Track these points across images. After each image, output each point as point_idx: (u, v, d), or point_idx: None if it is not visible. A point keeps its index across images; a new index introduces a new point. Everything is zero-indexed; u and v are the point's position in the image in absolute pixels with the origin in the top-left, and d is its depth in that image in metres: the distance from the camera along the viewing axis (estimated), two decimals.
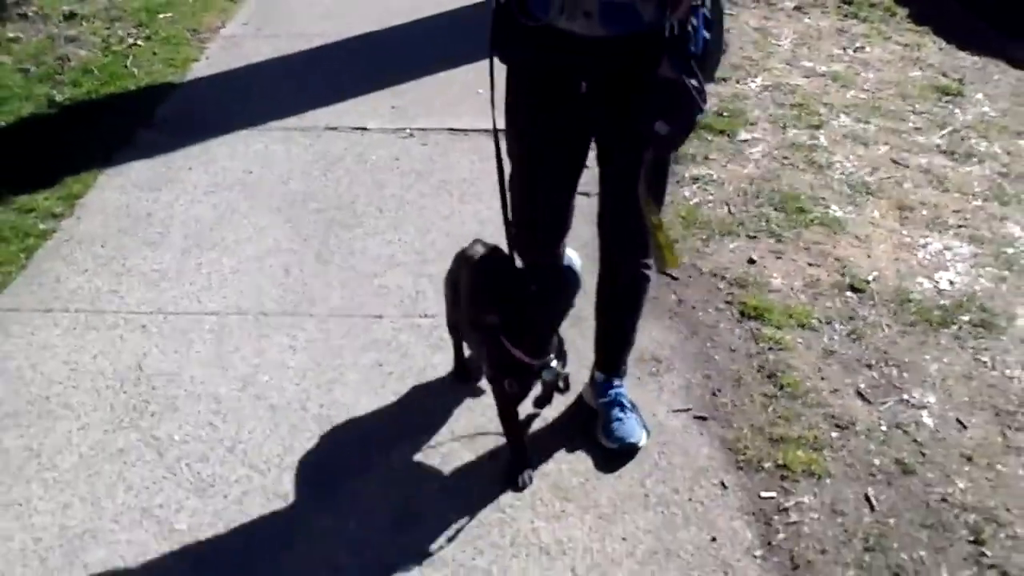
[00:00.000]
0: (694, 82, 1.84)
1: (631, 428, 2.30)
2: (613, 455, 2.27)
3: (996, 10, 5.02)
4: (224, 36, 4.84)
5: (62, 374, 2.52)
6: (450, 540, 2.05)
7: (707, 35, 1.88)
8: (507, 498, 2.16)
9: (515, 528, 2.09)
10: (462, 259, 2.27)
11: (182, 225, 3.22)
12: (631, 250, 2.21)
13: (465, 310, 2.20)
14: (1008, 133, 3.99)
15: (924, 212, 3.39)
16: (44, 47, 4.62)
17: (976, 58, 4.70)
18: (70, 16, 4.98)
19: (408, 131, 3.87)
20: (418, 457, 2.28)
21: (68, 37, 4.72)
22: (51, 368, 2.54)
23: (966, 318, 2.85)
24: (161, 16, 5.02)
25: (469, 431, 2.34)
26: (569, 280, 2.10)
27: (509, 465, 2.20)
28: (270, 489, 2.17)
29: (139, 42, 4.69)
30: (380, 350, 2.63)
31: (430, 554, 2.02)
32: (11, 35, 4.77)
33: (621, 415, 2.31)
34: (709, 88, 1.92)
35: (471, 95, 4.11)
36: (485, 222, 3.16)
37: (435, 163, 3.65)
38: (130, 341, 2.66)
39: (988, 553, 2.07)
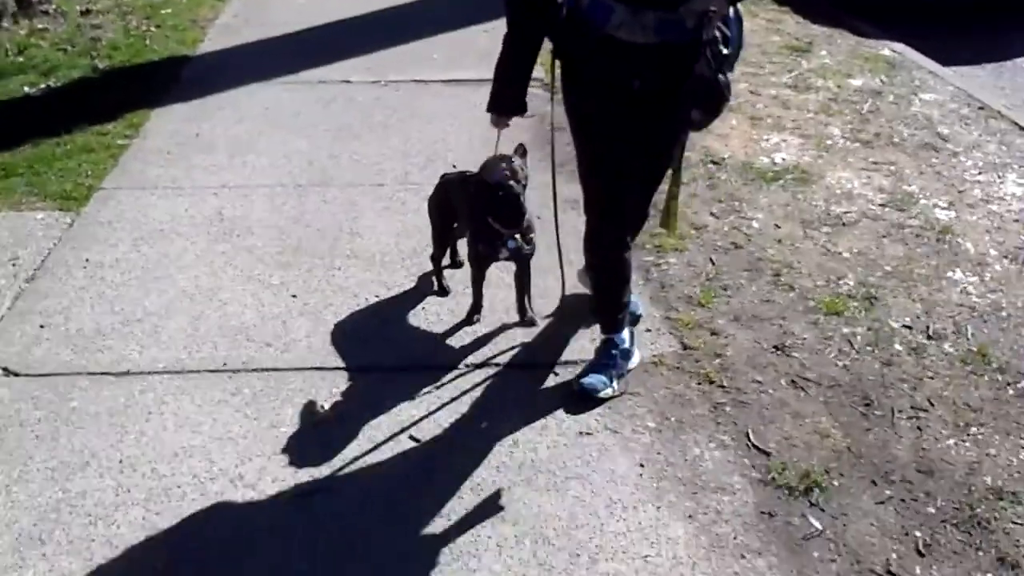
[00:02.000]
0: (722, 78, 2.34)
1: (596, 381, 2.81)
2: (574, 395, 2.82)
3: None
4: (219, 24, 6.30)
5: (167, 219, 3.90)
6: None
7: (730, 46, 2.38)
8: None
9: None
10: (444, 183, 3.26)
11: (224, 141, 4.65)
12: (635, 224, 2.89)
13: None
14: (840, 75, 5.66)
15: (769, 121, 4.99)
16: (73, 34, 6.02)
17: (825, 28, 6.40)
18: (86, 12, 6.38)
19: (383, 82, 5.37)
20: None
21: (91, 25, 6.10)
22: (158, 215, 3.93)
23: (790, 176, 4.42)
24: (163, 11, 6.46)
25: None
26: (521, 167, 2.82)
27: (469, 309, 3.14)
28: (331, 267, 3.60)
29: (151, 29, 6.10)
30: (386, 201, 4.09)
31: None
32: (40, 26, 6.14)
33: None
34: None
35: (428, 59, 5.65)
36: (446, 137, 4.65)
37: (406, 102, 5.15)
38: (208, 202, 4.07)
39: (783, 281, 3.60)
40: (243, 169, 4.28)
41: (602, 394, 2.79)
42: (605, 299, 2.89)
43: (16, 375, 2.92)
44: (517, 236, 2.90)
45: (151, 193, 4.06)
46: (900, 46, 6.21)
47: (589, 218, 2.76)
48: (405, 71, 5.46)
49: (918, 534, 2.42)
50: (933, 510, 2.50)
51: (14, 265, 3.51)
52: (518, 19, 2.51)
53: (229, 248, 3.63)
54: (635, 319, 3.12)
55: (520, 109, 2.62)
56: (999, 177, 4.41)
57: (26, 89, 5.17)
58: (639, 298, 3.21)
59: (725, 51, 2.33)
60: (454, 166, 4.27)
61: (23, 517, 2.38)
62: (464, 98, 5.10)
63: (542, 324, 3.14)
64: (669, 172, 2.71)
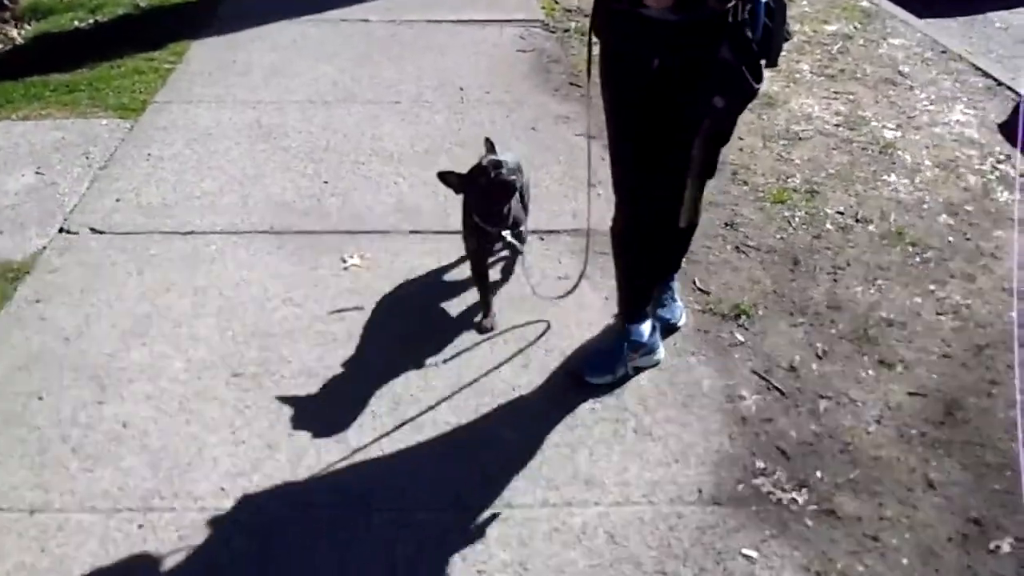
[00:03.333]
0: (747, 64, 2.28)
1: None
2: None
3: None
4: None
5: (213, 125, 4.75)
6: None
7: (768, 22, 2.29)
8: None
9: None
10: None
11: (259, 67, 5.50)
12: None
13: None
14: (817, 21, 6.47)
15: None
16: None
17: None
18: None
19: (399, 21, 6.22)
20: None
21: None
22: (205, 122, 4.78)
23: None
24: None
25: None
26: (508, 173, 2.97)
27: (481, 315, 3.24)
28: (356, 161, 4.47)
29: None
30: (403, 115, 4.94)
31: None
32: None
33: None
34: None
35: (439, 2, 6.51)
36: (456, 66, 5.47)
37: (419, 38, 5.99)
38: (248, 113, 4.92)
39: (739, 178, 4.42)
40: (276, 88, 5.14)
41: (593, 381, 2.96)
42: (621, 284, 3.00)
43: (102, 233, 3.78)
44: (506, 233, 3.06)
45: (197, 106, 4.92)
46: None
47: (616, 198, 2.81)
48: (419, 12, 6.30)
49: (819, 346, 3.25)
50: (834, 332, 3.33)
51: (87, 158, 4.38)
52: None
53: (268, 147, 4.49)
54: (670, 327, 3.19)
55: None
56: (948, 107, 5.22)
57: (76, 23, 6.03)
58: (683, 308, 3.26)
59: (750, 34, 2.28)
60: (461, 89, 5.13)
61: (123, 321, 3.25)
62: (471, 35, 5.95)
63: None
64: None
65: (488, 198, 3.03)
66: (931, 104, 5.22)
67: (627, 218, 2.79)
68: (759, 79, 2.34)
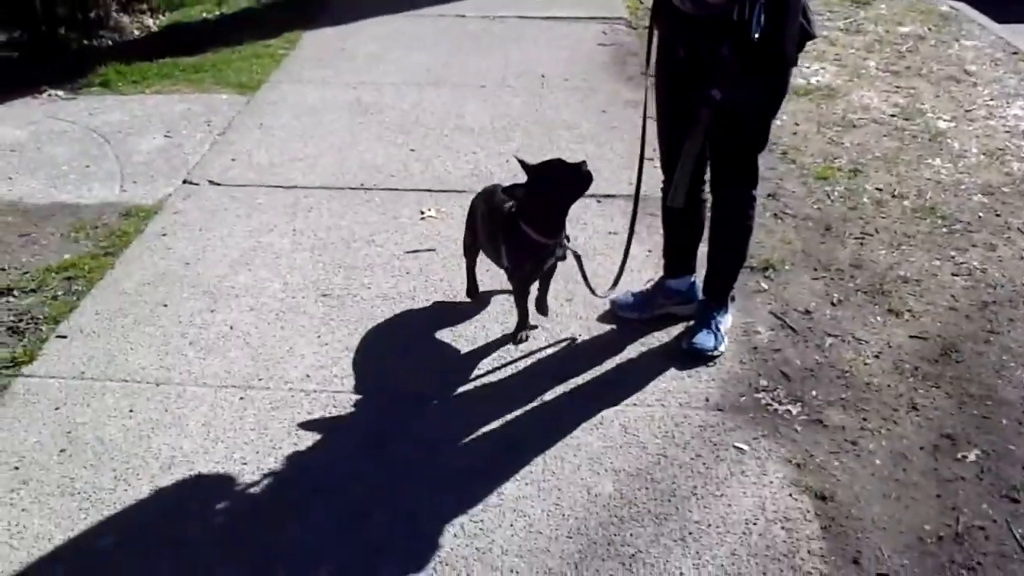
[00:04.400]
0: (746, 61, 2.56)
1: (708, 340, 3.19)
2: (684, 355, 3.22)
3: None
4: None
5: (318, 102, 5.41)
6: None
7: (765, 24, 2.52)
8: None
9: None
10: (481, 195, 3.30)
11: (362, 54, 6.18)
12: (731, 181, 3.04)
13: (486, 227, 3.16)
14: (892, 23, 6.85)
15: (814, 53, 6.23)
16: None
17: None
18: None
19: (492, 17, 6.85)
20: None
21: None
22: (311, 100, 5.46)
23: (819, 93, 5.67)
24: None
25: None
26: (570, 174, 2.90)
27: (516, 326, 3.26)
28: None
29: None
30: (486, 97, 5.55)
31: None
32: None
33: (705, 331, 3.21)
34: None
35: (531, 1, 7.13)
36: (540, 57, 6.07)
37: (509, 32, 6.60)
38: (349, 93, 5.58)
39: (789, 157, 4.88)
40: (376, 72, 5.81)
41: (623, 315, 3.41)
42: (667, 245, 3.41)
43: (219, 184, 4.48)
44: (559, 240, 3.04)
45: (305, 85, 5.62)
46: (960, 3, 7.31)
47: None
48: (511, 10, 6.92)
49: (836, 296, 3.70)
50: (852, 285, 3.76)
51: (208, 125, 5.10)
52: None
53: (365, 120, 5.14)
54: (699, 306, 3.38)
55: None
56: (1007, 103, 5.55)
57: (204, 15, 6.85)
58: (717, 336, 3.29)
59: (754, 34, 2.51)
60: (543, 76, 5.71)
61: (233, 252, 3.91)
62: (557, 30, 6.54)
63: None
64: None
65: (561, 198, 2.96)
66: (991, 100, 5.55)
67: (665, 187, 3.14)
68: (761, 73, 2.65)
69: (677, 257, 3.44)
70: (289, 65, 5.88)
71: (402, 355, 3.25)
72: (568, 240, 3.09)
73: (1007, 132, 5.09)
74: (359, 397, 3.06)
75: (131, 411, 2.95)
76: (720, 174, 3.14)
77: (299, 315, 3.45)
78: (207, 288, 3.61)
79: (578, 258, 3.14)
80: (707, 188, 3.24)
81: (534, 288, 3.27)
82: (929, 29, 6.65)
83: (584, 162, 2.91)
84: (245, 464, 2.74)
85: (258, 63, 5.88)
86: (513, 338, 3.27)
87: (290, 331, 3.36)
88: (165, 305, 3.51)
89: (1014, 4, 7.28)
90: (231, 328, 3.37)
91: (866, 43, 6.33)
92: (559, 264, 3.19)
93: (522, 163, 3.00)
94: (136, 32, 6.45)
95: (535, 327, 3.37)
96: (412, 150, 4.75)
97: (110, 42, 6.26)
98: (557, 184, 2.90)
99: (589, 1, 7.03)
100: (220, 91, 5.51)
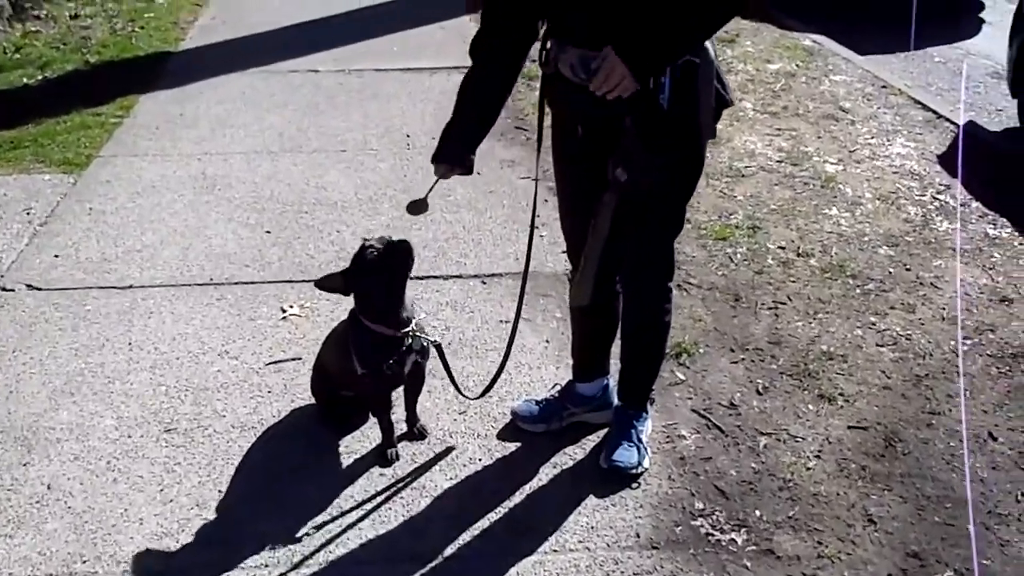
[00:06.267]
0: (652, 135, 2.16)
1: (631, 456, 2.64)
2: (604, 475, 2.65)
3: None
4: (199, 25, 7.14)
5: (157, 178, 4.65)
6: None
7: (664, 98, 2.15)
8: None
9: None
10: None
11: (206, 119, 5.44)
12: (643, 271, 2.55)
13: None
14: (760, 60, 6.51)
15: None
16: (64, 34, 6.83)
17: (753, 23, 7.28)
18: (75, 16, 7.20)
19: (347, 70, 6.20)
20: None
21: (81, 27, 6.91)
22: (149, 176, 4.68)
23: None
24: (146, 14, 7.28)
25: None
26: (399, 249, 2.52)
27: (381, 442, 2.73)
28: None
29: (136, 29, 6.91)
30: (348, 163, 4.89)
31: None
32: (33, 28, 6.95)
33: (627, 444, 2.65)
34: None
35: (388, 51, 6.50)
36: (403, 113, 5.47)
37: (367, 87, 5.97)
38: (193, 165, 4.83)
39: None
40: (223, 140, 5.08)
41: (527, 428, 2.87)
42: (575, 345, 2.91)
43: (39, 289, 3.69)
44: (410, 331, 2.60)
45: (143, 159, 4.85)
46: (821, 37, 7.08)
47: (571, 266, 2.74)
48: (367, 61, 6.29)
49: (760, 381, 3.20)
50: (775, 367, 3.28)
51: (28, 214, 4.29)
52: (483, 52, 2.39)
53: (212, 198, 4.42)
54: (615, 413, 2.82)
55: (462, 166, 2.44)
56: (888, 140, 5.25)
57: (25, 80, 5.97)
58: (638, 452, 2.75)
59: (662, 104, 2.16)
60: (408, 136, 5.09)
61: (55, 380, 3.14)
62: (419, 83, 5.94)
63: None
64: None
65: (389, 280, 2.56)
66: (872, 138, 5.25)
67: (572, 278, 2.68)
68: (674, 148, 2.26)
69: (588, 358, 2.91)
70: (123, 136, 5.10)
71: (264, 506, 2.56)
72: (421, 330, 2.61)
73: (895, 173, 4.77)
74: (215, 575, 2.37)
75: None
76: (631, 264, 2.63)
77: (136, 461, 2.74)
78: (19, 433, 2.87)
79: (439, 349, 2.68)
80: (619, 279, 2.69)
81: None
82: (797, 65, 6.35)
83: (403, 240, 2.55)
84: None
85: (87, 135, 5.08)
86: (381, 459, 2.72)
87: (125, 485, 2.65)
88: None
89: (869, 34, 7.19)
90: (48, 488, 2.65)
91: (738, 83, 5.97)
92: (428, 368, 2.76)
93: (323, 286, 2.67)
94: None
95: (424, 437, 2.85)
96: (268, 232, 4.06)
97: None
98: (368, 270, 2.52)
99: (451, 49, 6.44)
100: (42, 171, 4.70)
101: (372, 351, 2.55)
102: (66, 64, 6.20)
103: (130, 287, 3.67)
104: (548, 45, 2.34)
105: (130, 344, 3.30)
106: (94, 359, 3.22)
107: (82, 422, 2.92)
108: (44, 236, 4.06)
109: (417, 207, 2.52)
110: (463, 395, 2.76)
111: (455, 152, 2.41)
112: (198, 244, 3.96)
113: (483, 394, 2.82)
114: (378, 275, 2.52)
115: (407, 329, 2.56)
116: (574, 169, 2.51)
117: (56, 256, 3.89)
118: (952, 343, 3.36)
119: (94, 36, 6.74)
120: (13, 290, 3.65)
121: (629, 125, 2.19)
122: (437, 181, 2.46)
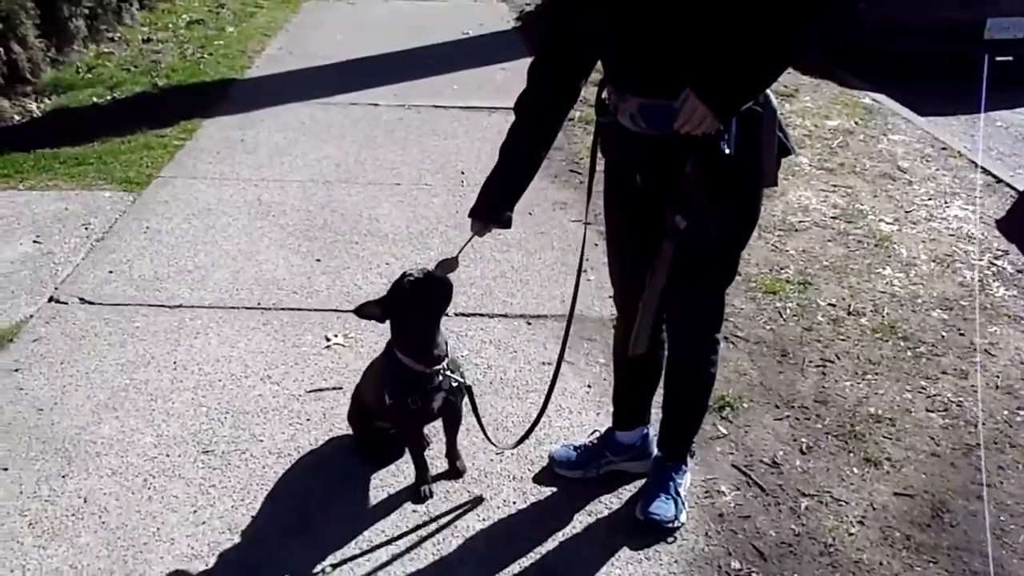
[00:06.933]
0: (714, 182, 2.10)
1: (668, 509, 2.56)
2: (639, 527, 2.57)
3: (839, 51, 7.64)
4: (266, 55, 7.25)
5: (214, 201, 4.70)
6: None
7: (726, 146, 2.09)
8: None
9: None
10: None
11: (265, 146, 5.50)
12: (692, 321, 2.48)
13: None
14: (819, 116, 6.45)
15: None
16: (135, 57, 6.97)
17: (813, 79, 7.23)
18: (147, 40, 7.35)
19: (407, 105, 6.24)
20: None
21: (152, 51, 7.06)
22: (206, 198, 4.73)
23: None
24: (216, 42, 7.42)
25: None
26: (437, 284, 2.45)
27: (414, 480, 2.67)
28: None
29: (205, 56, 7.04)
30: (400, 196, 4.89)
31: None
32: (106, 51, 7.11)
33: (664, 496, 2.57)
34: None
35: (448, 89, 6.54)
36: (459, 151, 5.48)
37: (426, 122, 6.00)
38: (250, 190, 4.87)
39: None
40: (280, 167, 5.12)
41: (564, 474, 2.79)
42: (617, 392, 2.83)
43: (91, 303, 3.72)
44: (441, 368, 2.53)
45: (201, 182, 4.90)
46: (881, 96, 6.99)
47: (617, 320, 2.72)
48: (427, 98, 6.33)
49: (804, 440, 3.11)
50: (820, 427, 3.19)
51: (86, 229, 4.34)
52: (542, 72, 2.39)
53: (265, 224, 4.44)
54: (654, 464, 2.76)
55: (498, 222, 2.46)
56: (946, 202, 5.14)
57: (94, 99, 6.09)
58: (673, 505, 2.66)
59: (725, 151, 2.09)
60: (462, 172, 5.09)
61: (99, 393, 3.15)
62: (477, 121, 5.95)
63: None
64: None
65: (422, 313, 2.50)
66: (929, 199, 5.14)
67: (619, 327, 2.67)
68: (735, 196, 2.22)
69: (629, 406, 2.85)
70: (184, 158, 5.16)
71: (295, 535, 2.53)
72: (455, 369, 2.55)
73: (952, 235, 4.65)
74: None
75: None
76: (680, 313, 2.55)
77: (172, 480, 2.72)
78: (61, 444, 2.86)
79: (469, 392, 2.61)
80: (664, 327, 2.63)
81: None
82: (856, 123, 6.26)
83: (433, 271, 2.48)
84: None
85: (149, 155, 5.15)
86: (415, 495, 2.67)
87: (159, 504, 2.62)
88: (5, 468, 2.74)
89: (930, 95, 7.11)
90: (84, 501, 2.63)
91: (797, 138, 5.89)
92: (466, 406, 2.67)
93: (362, 313, 2.61)
94: (17, 117, 5.66)
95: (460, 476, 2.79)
96: (318, 260, 4.06)
97: None
98: (404, 300, 2.46)
99: (511, 89, 6.42)
100: (103, 188, 4.76)
101: (401, 383, 2.51)
102: (135, 86, 6.31)
103: (179, 307, 3.68)
104: (606, 94, 2.31)
105: (175, 363, 3.30)
106: (139, 376, 3.22)
107: (122, 438, 2.91)
108: (100, 251, 4.09)
109: (447, 266, 2.48)
110: (493, 444, 2.70)
111: (493, 208, 2.43)
112: (249, 268, 3.97)
113: (517, 444, 2.77)
114: (412, 305, 2.46)
115: (437, 367, 2.49)
116: (629, 216, 2.46)
117: (110, 272, 3.92)
118: (1006, 412, 3.24)
119: (164, 60, 6.85)
120: (66, 303, 3.68)
121: (691, 171, 2.14)
122: (472, 238, 2.45)
